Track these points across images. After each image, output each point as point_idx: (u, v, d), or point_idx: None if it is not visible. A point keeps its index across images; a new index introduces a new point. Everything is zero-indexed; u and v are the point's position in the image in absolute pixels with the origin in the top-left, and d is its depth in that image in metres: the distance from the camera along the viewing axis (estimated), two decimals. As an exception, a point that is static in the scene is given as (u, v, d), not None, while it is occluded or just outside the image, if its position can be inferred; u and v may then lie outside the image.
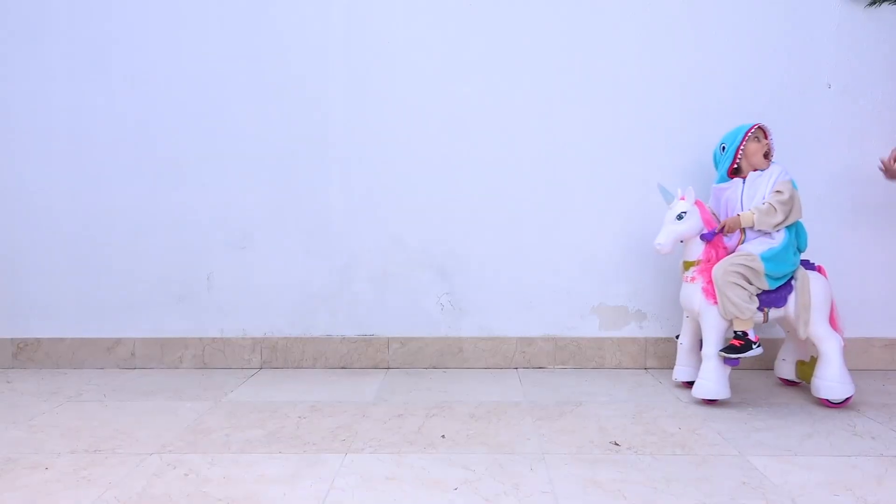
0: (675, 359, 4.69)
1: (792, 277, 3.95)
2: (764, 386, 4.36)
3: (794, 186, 4.01)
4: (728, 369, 3.96)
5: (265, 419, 3.74)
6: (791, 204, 3.94)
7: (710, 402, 3.98)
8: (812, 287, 3.89)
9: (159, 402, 4.10)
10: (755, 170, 4.12)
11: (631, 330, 4.84)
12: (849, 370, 3.89)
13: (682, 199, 4.10)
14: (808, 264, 4.04)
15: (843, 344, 3.89)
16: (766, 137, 4.14)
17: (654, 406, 3.94)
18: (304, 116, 4.85)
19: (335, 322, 4.91)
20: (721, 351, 3.89)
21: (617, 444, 3.30)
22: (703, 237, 4.04)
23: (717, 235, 4.05)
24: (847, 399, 3.88)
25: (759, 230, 3.98)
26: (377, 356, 4.88)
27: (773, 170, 4.08)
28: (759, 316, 3.96)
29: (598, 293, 4.84)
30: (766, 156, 4.13)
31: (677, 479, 2.90)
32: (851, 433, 3.47)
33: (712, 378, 3.91)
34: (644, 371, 4.75)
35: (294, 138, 4.83)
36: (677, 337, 4.31)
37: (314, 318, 4.92)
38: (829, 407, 3.89)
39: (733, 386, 4.28)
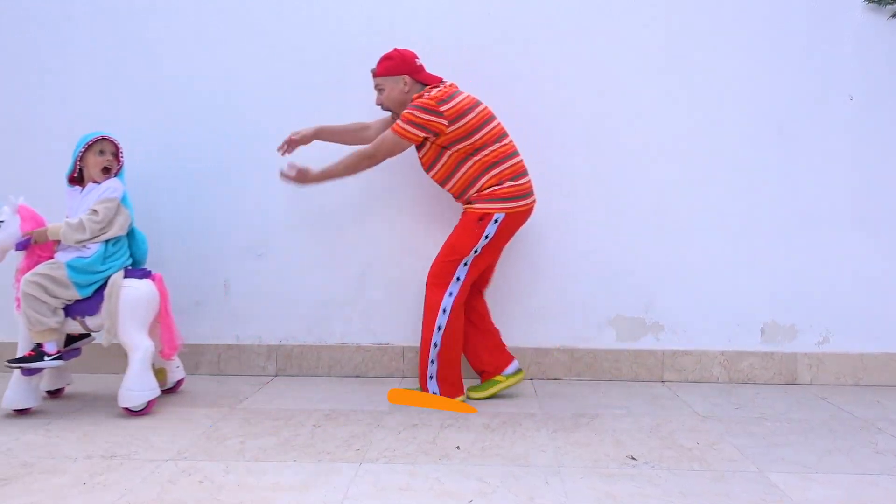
0: (693, 372, 4.68)
1: (105, 285, 4.00)
2: (783, 401, 4.32)
3: (124, 204, 4.10)
4: (32, 379, 4.00)
5: (280, 427, 3.75)
6: (105, 224, 3.99)
7: (21, 413, 4.03)
8: (122, 295, 3.95)
9: (174, 407, 4.11)
10: (94, 181, 4.11)
11: (648, 342, 4.81)
12: (149, 377, 3.96)
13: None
14: (142, 272, 4.11)
15: (150, 352, 3.99)
16: (114, 153, 4.14)
17: (671, 419, 3.92)
18: (323, 123, 4.79)
19: (350, 330, 4.91)
20: (7, 361, 3.93)
21: (634, 458, 3.29)
22: (16, 246, 4.02)
23: (31, 245, 4.04)
24: (148, 405, 3.97)
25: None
26: (391, 365, 4.87)
27: (104, 186, 4.07)
28: (74, 325, 4.03)
29: (614, 305, 4.82)
30: (108, 170, 4.11)
31: (695, 494, 2.89)
32: (873, 450, 3.45)
33: (13, 387, 3.98)
34: (661, 383, 4.72)
35: (312, 146, 4.75)
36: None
37: (329, 325, 4.92)
38: (129, 415, 3.95)
39: (751, 401, 4.28)
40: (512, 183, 4.13)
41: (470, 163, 4.12)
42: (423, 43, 4.74)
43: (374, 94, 4.33)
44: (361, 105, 4.79)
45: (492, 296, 4.77)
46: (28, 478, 3.05)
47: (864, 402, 4.30)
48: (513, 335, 4.81)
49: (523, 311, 4.84)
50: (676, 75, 4.74)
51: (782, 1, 4.70)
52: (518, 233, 4.68)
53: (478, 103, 4.15)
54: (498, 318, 4.79)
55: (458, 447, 3.43)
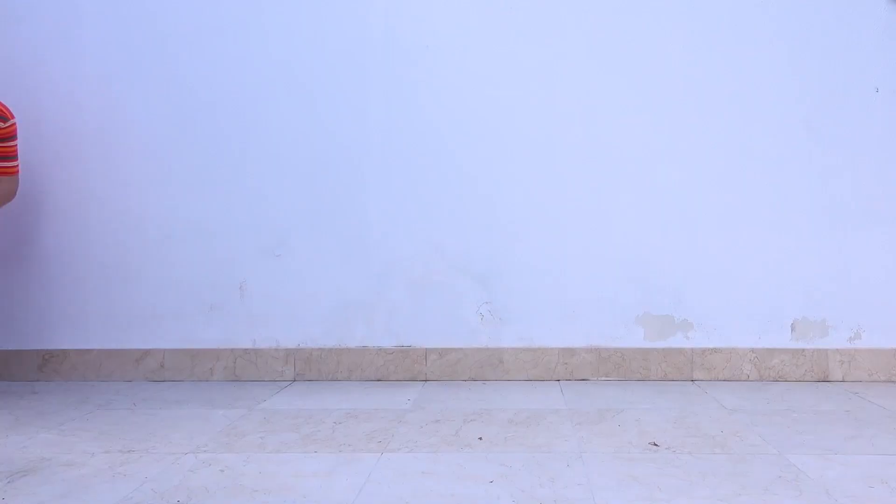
0: (723, 370, 4.88)
1: None
2: (812, 396, 4.52)
3: None
4: None
5: (300, 424, 3.95)
6: None
7: None
8: None
9: (191, 409, 4.32)
10: None
11: (677, 340, 4.98)
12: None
13: None
14: None
15: None
16: None
17: (697, 413, 4.11)
18: (341, 120, 5.05)
19: (371, 332, 5.07)
20: None
21: (656, 445, 3.51)
22: None
23: None
24: None
25: None
26: (414, 368, 5.05)
27: None
28: None
29: (642, 302, 4.99)
30: None
31: (714, 474, 3.10)
32: (897, 435, 3.67)
33: None
34: (691, 382, 4.90)
35: (330, 143, 5.03)
36: None
37: (350, 328, 5.08)
38: None
39: (780, 396, 4.51)
40: None
41: None
42: (441, 37, 5.03)
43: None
44: (379, 103, 5.02)
45: (517, 294, 5.03)
46: (48, 470, 3.25)
47: (897, 397, 4.53)
48: (538, 335, 5.01)
49: (549, 310, 5.03)
50: (703, 71, 4.95)
51: (806, -6, 4.95)
52: (545, 228, 4.98)
53: None
54: (523, 317, 5.03)
55: (480, 438, 3.65)
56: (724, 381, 4.93)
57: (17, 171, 4.45)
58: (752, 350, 4.94)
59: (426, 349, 5.06)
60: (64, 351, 5.16)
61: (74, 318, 5.17)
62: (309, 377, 5.09)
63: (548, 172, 5.01)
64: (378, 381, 5.06)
